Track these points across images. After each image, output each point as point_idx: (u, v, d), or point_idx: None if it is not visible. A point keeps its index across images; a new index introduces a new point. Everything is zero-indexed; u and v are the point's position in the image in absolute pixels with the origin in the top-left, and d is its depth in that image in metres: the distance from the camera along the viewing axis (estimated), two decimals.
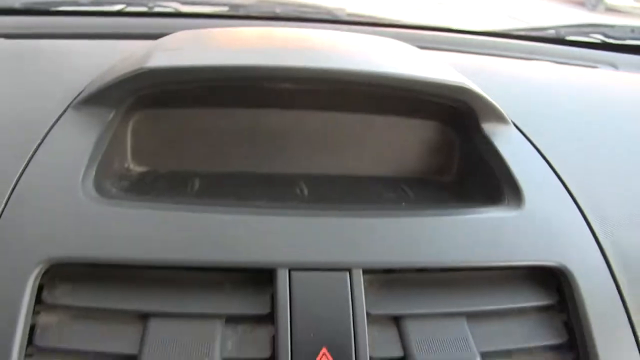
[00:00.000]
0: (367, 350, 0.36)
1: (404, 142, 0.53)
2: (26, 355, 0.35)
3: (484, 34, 0.95)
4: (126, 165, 0.49)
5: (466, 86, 0.47)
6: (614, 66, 0.90)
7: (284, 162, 0.51)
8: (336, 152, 0.52)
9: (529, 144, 0.50)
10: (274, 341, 0.36)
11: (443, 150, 0.53)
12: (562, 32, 1.00)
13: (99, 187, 0.42)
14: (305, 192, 0.48)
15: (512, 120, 0.52)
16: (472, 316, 0.40)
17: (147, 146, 0.50)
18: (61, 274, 0.37)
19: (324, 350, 0.35)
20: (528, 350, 0.40)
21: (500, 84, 0.63)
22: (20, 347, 0.34)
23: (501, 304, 0.40)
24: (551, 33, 1.00)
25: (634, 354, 0.39)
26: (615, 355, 0.39)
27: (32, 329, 0.35)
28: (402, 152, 0.53)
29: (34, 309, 0.36)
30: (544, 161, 0.49)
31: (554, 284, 0.42)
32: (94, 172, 0.42)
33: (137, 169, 0.50)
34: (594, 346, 0.39)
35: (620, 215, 0.46)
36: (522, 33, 0.98)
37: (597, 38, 0.99)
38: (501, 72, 0.71)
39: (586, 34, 1.00)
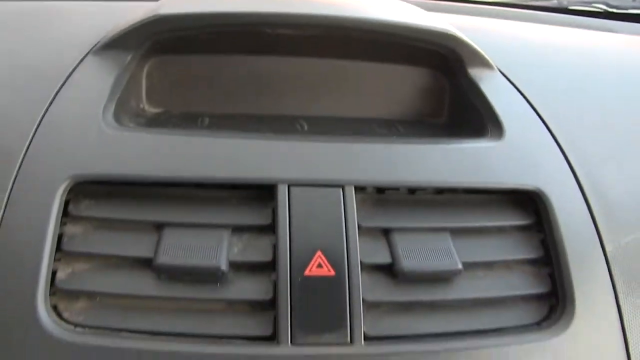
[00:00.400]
0: (357, 255, 0.39)
1: (399, 87, 0.56)
2: (55, 260, 0.39)
3: (488, 3, 0.97)
4: (141, 106, 0.53)
5: (451, 32, 0.51)
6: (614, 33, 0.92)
7: (286, 105, 0.55)
8: (335, 96, 0.56)
9: (511, 85, 0.54)
10: (274, 248, 0.40)
11: (435, 95, 0.57)
12: (565, 1, 1.02)
13: (118, 119, 0.46)
14: (305, 127, 0.52)
15: (498, 68, 0.55)
16: (455, 232, 0.43)
17: (160, 89, 0.54)
18: (85, 191, 0.42)
19: (318, 253, 0.39)
20: (506, 263, 0.43)
21: (490, 37, 0.66)
22: (50, 251, 0.39)
23: (483, 222, 0.44)
24: (554, 3, 1.02)
25: (602, 267, 0.43)
26: (585, 268, 0.42)
27: (60, 238, 0.40)
28: (397, 96, 0.57)
29: (61, 221, 0.40)
30: (524, 100, 0.52)
31: (531, 207, 0.45)
32: (113, 107, 0.47)
33: (151, 109, 0.54)
34: (566, 261, 0.42)
35: (595, 149, 0.49)
36: (526, 2, 1.00)
37: (600, 7, 1.01)
38: (493, 28, 0.74)
39: (588, 4, 1.01)
